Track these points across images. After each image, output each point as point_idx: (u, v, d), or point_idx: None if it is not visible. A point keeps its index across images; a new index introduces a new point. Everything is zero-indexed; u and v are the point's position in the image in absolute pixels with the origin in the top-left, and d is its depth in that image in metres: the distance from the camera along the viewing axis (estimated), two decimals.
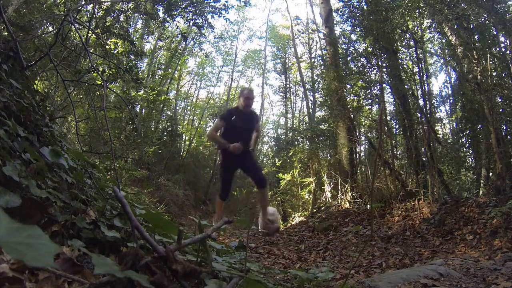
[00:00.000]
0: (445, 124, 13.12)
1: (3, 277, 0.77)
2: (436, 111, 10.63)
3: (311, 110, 16.47)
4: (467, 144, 8.61)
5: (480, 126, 7.27)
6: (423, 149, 7.39)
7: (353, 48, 9.27)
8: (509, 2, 7.16)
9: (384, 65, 8.37)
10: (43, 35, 4.93)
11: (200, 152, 17.00)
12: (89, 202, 1.48)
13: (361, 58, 8.93)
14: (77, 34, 4.94)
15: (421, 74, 8.81)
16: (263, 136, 22.74)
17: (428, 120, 7.46)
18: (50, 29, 5.92)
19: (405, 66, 8.36)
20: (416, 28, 8.38)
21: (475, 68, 6.67)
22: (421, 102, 8.26)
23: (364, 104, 9.56)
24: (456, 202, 5.84)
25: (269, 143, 21.96)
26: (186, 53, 17.23)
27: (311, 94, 16.85)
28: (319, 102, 13.89)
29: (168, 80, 16.35)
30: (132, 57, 6.53)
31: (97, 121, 6.26)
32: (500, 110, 6.52)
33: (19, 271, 0.80)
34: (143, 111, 13.94)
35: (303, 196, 10.92)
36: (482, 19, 6.89)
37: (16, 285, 0.78)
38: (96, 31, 5.54)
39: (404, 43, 8.33)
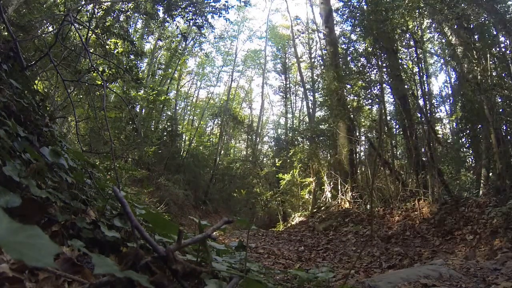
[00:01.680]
0: (445, 124, 13.11)
1: (3, 277, 0.77)
2: (436, 111, 10.64)
3: (311, 110, 16.46)
4: (467, 144, 8.61)
5: (480, 126, 7.27)
6: (423, 149, 7.39)
7: (353, 48, 9.28)
8: (509, 2, 7.16)
9: (384, 65, 8.37)
10: (43, 35, 4.92)
11: (200, 152, 17.00)
12: (89, 202, 1.48)
13: (361, 58, 8.94)
14: (77, 34, 4.93)
15: (421, 74, 8.81)
16: (263, 136, 22.75)
17: (428, 120, 7.46)
18: (50, 29, 5.92)
19: (405, 66, 8.36)
20: (416, 28, 8.38)
21: (475, 68, 6.67)
22: (421, 102, 8.26)
23: (364, 104, 9.56)
24: (456, 202, 5.85)
25: (269, 143, 21.98)
26: (186, 53, 17.23)
27: (311, 94, 16.86)
28: (319, 102, 13.89)
29: (168, 80, 16.34)
30: (132, 57, 6.53)
31: (97, 121, 6.25)
32: (500, 110, 6.52)
33: (19, 271, 0.80)
34: (143, 111, 13.93)
35: (303, 196, 10.92)
36: (482, 19, 6.88)
37: (16, 285, 0.78)
38: (96, 31, 5.54)
39: (404, 43, 8.33)
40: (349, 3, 8.81)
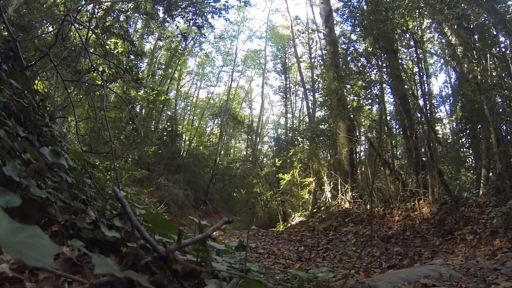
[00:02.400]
0: (445, 124, 13.12)
1: (3, 277, 0.77)
2: (436, 111, 10.64)
3: (311, 110, 16.47)
4: (467, 144, 8.61)
5: (480, 126, 7.27)
6: (423, 149, 7.39)
7: (353, 48, 9.28)
8: (509, 2, 7.16)
9: (384, 65, 8.37)
10: (43, 35, 4.92)
11: (200, 152, 16.99)
12: (89, 202, 1.48)
13: (361, 58, 8.93)
14: (77, 34, 4.93)
15: (421, 74, 8.81)
16: (263, 136, 22.74)
17: (428, 120, 7.46)
18: (50, 29, 5.92)
19: (405, 66, 8.36)
20: (416, 28, 8.38)
21: (475, 68, 6.67)
22: (421, 102, 8.26)
23: (364, 104, 9.56)
24: (456, 202, 5.85)
25: (269, 143, 21.99)
26: (186, 53, 17.22)
27: (311, 94, 16.86)
28: (319, 102, 13.88)
29: (168, 80, 16.34)
30: (132, 57, 6.53)
31: (97, 121, 6.25)
32: (500, 110, 6.52)
33: (19, 271, 0.80)
34: (143, 111, 13.93)
35: (303, 196, 10.92)
36: (482, 19, 6.88)
37: (16, 285, 0.78)
38: (96, 31, 5.54)
39: (404, 43, 8.33)
40: (349, 3, 8.81)
